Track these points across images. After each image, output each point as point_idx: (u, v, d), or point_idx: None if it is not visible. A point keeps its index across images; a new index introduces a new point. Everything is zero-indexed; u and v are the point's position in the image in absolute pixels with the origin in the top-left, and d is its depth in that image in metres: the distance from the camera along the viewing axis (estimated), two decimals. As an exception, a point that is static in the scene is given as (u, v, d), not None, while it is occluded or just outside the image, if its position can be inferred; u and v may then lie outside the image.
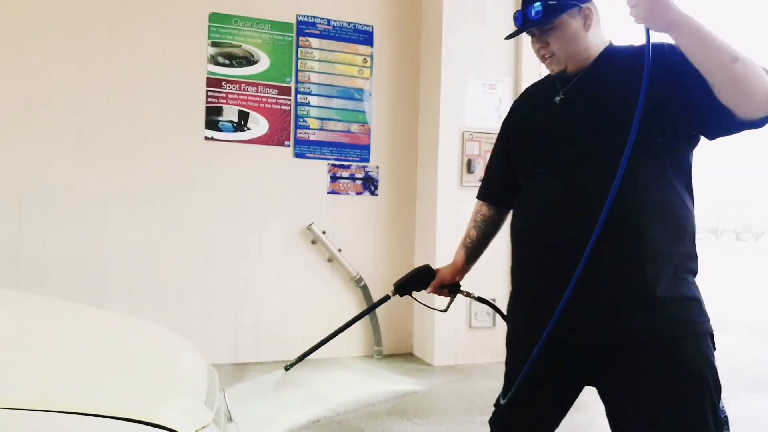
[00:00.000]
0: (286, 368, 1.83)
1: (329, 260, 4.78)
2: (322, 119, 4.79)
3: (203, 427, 1.22)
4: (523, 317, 1.68)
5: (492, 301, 1.96)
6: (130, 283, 4.30)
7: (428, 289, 1.90)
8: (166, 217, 4.39)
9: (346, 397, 3.71)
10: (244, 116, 4.56)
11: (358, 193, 4.91)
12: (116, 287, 4.26)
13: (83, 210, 4.20)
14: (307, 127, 4.74)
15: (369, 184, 4.95)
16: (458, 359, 4.77)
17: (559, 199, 1.53)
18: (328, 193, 4.82)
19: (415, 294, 1.93)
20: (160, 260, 4.37)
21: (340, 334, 1.90)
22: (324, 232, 4.74)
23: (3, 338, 1.31)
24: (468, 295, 1.92)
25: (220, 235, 4.52)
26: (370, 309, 2.01)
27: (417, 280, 1.90)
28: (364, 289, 4.80)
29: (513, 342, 1.74)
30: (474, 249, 1.89)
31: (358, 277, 4.79)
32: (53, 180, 4.15)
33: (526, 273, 1.65)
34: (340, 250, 4.79)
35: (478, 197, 1.91)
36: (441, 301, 1.97)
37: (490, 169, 1.90)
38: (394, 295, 1.88)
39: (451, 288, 1.91)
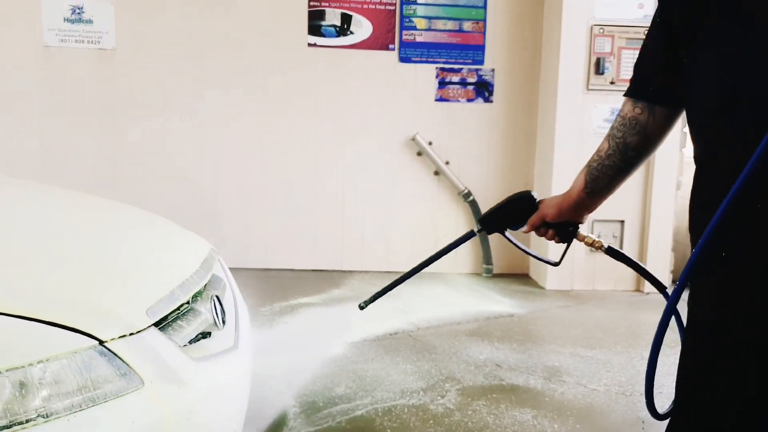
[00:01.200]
0: (361, 306, 1.60)
1: (435, 173, 4.61)
2: (429, 18, 4.46)
3: (129, 334, 1.22)
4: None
5: (642, 266, 1.38)
6: (238, 195, 4.55)
7: (524, 229, 1.43)
8: (269, 127, 4.51)
9: (433, 313, 3.65)
10: (347, 19, 4.41)
11: (470, 100, 4.58)
12: (224, 199, 4.55)
13: (191, 123, 4.46)
14: (414, 28, 4.46)
15: (482, 89, 4.58)
16: (575, 284, 4.42)
17: None
18: (436, 100, 4.56)
19: (510, 233, 1.48)
20: (266, 171, 4.55)
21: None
22: (430, 143, 4.55)
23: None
24: (591, 244, 1.38)
25: (323, 145, 4.55)
26: (450, 247, 1.54)
27: (509, 213, 1.44)
28: (473, 204, 4.58)
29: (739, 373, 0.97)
30: (601, 173, 1.23)
31: (466, 191, 4.57)
32: (160, 96, 4.44)
33: None
34: (447, 163, 4.58)
35: (626, 94, 1.21)
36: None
37: (642, 55, 1.19)
38: (479, 232, 1.49)
39: (560, 230, 1.37)
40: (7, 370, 1.00)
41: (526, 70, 4.58)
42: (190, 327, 1.47)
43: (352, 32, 4.43)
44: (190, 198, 4.49)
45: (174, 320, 1.45)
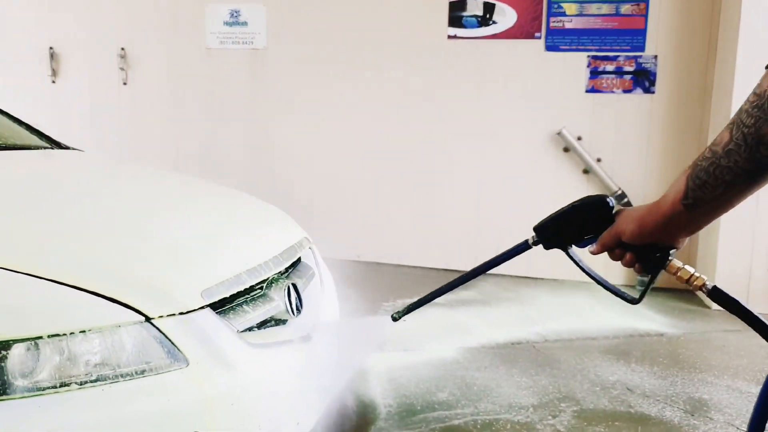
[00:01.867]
0: (394, 318, 1.44)
1: (584, 171, 4.24)
2: (581, 2, 4.11)
3: (179, 313, 1.24)
4: None
5: (761, 320, 0.95)
6: (375, 191, 4.60)
7: (592, 248, 1.06)
8: (406, 123, 4.49)
9: (566, 325, 3.36)
10: (489, 8, 4.24)
11: (627, 91, 4.14)
12: (362, 195, 4.62)
13: (331, 119, 4.60)
14: (563, 14, 4.14)
15: (642, 78, 4.12)
16: (752, 306, 3.78)
17: None
18: (587, 91, 4.20)
19: (575, 250, 1.12)
20: (401, 167, 4.54)
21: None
22: (579, 139, 4.20)
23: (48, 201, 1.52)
24: (687, 280, 0.97)
25: (460, 141, 4.43)
26: (500, 259, 1.23)
27: (572, 223, 1.09)
28: (627, 207, 4.13)
29: None
30: (714, 177, 0.86)
31: (619, 192, 4.14)
32: (305, 92, 4.62)
33: None
34: (599, 160, 4.19)
35: None
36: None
37: None
38: (535, 244, 1.16)
39: (643, 255, 0.99)
40: (48, 336, 1.06)
41: (697, 56, 4.03)
42: (255, 312, 1.47)
43: (494, 21, 4.24)
44: (329, 191, 4.64)
45: (239, 304, 1.45)
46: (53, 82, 4.89)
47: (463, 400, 2.38)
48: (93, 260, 1.26)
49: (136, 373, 1.15)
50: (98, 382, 1.10)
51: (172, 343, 1.22)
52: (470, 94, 4.37)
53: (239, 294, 1.46)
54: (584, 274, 1.13)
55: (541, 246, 1.16)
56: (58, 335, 1.07)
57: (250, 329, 1.43)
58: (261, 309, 1.50)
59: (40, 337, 1.05)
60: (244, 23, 4.55)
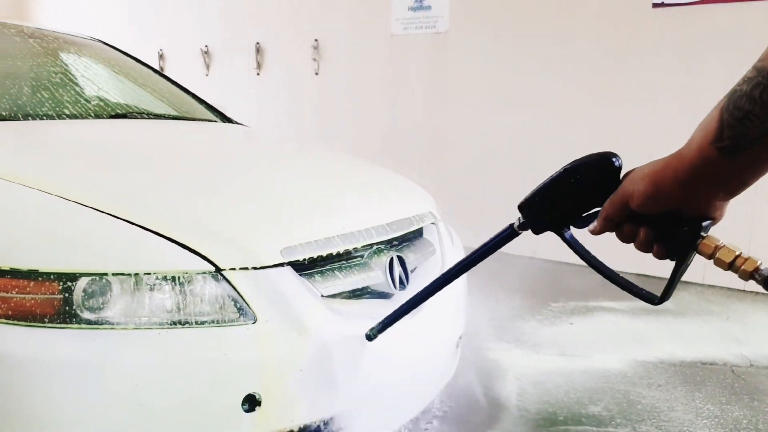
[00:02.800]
0: (368, 337, 1.27)
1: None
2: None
3: (252, 267, 1.21)
4: None
5: None
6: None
7: (592, 227, 0.79)
8: (601, 104, 4.04)
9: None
10: (706, -32, 3.61)
11: None
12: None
13: (514, 103, 4.33)
14: (807, -34, 3.36)
15: None
16: None
17: None
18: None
19: (575, 233, 0.86)
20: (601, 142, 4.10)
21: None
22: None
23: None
24: (731, 265, 0.68)
25: (663, 128, 3.86)
26: (483, 252, 1.02)
27: (565, 194, 0.83)
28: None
29: None
30: (758, 101, 0.60)
31: None
32: (486, 76, 4.41)
33: None
34: None
35: None
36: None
37: None
38: (521, 228, 0.93)
39: (665, 229, 0.71)
40: (114, 274, 1.09)
41: None
42: (346, 279, 1.38)
43: (712, -17, 3.61)
44: (508, 182, 4.39)
45: (331, 269, 1.38)
46: (258, 74, 5.39)
47: (620, 418, 2.02)
48: (182, 212, 1.28)
49: (197, 322, 1.14)
50: (158, 326, 1.10)
51: (242, 297, 1.19)
52: (677, 71, 3.78)
53: (332, 259, 1.39)
54: (590, 265, 0.85)
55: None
56: (124, 274, 1.09)
57: (338, 296, 1.34)
58: (354, 277, 1.41)
59: (106, 274, 1.08)
60: (428, 7, 4.52)
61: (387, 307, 1.42)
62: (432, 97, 4.65)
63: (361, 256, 1.48)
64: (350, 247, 1.41)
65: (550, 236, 0.92)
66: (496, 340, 2.68)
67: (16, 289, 1.04)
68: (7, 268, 1.04)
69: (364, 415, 1.34)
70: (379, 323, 1.24)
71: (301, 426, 1.23)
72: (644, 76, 3.89)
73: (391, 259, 1.50)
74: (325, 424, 1.27)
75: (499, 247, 1.01)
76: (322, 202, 1.54)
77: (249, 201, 1.42)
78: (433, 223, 1.82)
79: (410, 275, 1.57)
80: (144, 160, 1.58)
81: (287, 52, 5.26)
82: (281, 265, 1.25)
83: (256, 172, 1.66)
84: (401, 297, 1.51)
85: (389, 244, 1.55)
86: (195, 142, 2.01)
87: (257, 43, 5.36)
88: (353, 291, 1.40)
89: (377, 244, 1.52)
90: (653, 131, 3.89)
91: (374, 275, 1.45)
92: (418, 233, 1.76)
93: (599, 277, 0.87)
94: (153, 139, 1.91)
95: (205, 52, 5.59)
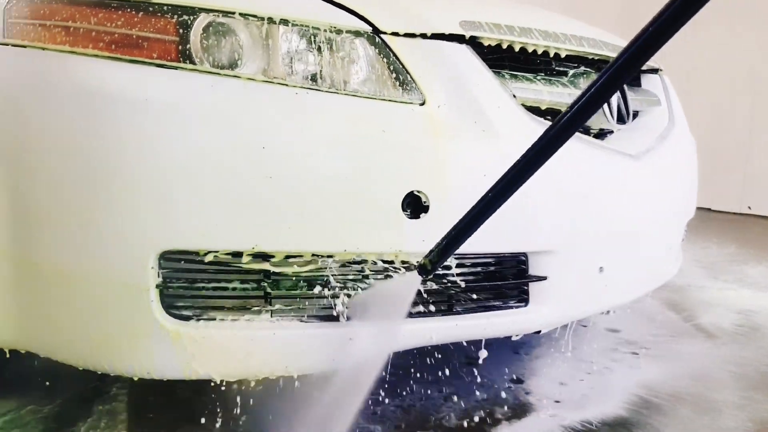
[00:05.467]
0: (423, 269, 0.78)
1: None
2: None
3: (420, 35, 0.89)
4: None
5: None
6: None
7: None
8: None
9: None
10: None
11: None
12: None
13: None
14: None
15: None
16: None
17: None
18: None
19: None
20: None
21: None
22: None
23: None
24: None
25: None
26: None
27: None
28: None
29: None
30: None
31: None
32: None
33: None
34: None
35: None
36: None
37: None
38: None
39: None
40: (242, 15, 0.83)
41: None
42: (545, 88, 1.02)
43: None
44: None
45: (526, 77, 1.02)
46: None
47: None
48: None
49: (347, 90, 0.84)
50: (295, 84, 0.82)
51: (405, 69, 0.87)
52: None
53: (527, 59, 1.03)
54: None
55: None
56: (255, 16, 0.83)
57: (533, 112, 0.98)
58: (557, 89, 1.03)
59: (233, 13, 0.82)
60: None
61: (608, 141, 1.04)
62: None
63: (565, 73, 1.11)
64: (552, 47, 1.03)
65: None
66: (712, 279, 2.13)
67: (123, 21, 0.81)
68: (115, -4, 0.82)
69: (566, 268, 0.96)
70: (439, 245, 0.78)
71: (481, 254, 0.88)
72: None
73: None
74: (516, 259, 0.91)
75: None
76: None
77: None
78: (655, 71, 1.38)
79: (630, 113, 1.16)
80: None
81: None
82: (459, 39, 0.92)
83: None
84: (622, 136, 1.11)
85: (599, 70, 1.15)
86: None
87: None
88: (552, 115, 1.02)
89: (585, 64, 1.13)
90: None
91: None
92: (634, 79, 1.33)
93: None
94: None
95: None
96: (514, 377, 1.23)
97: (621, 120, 1.13)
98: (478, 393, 1.14)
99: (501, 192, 0.70)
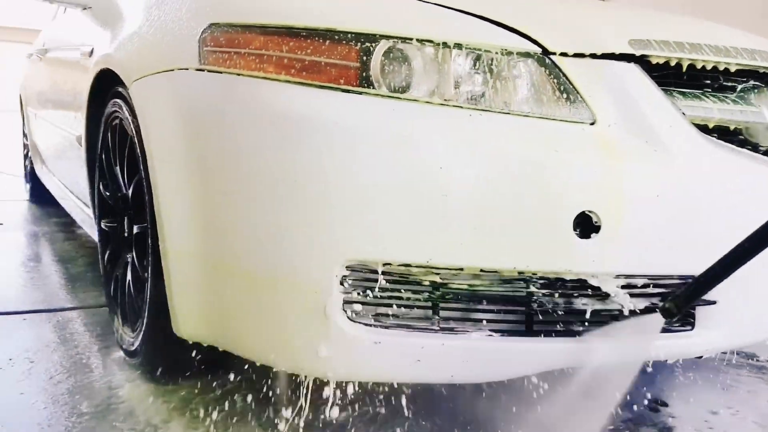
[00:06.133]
0: (669, 312, 0.81)
1: None
2: None
3: (590, 55, 0.91)
4: None
5: None
6: None
7: None
8: None
9: None
10: None
11: None
12: None
13: None
14: None
15: None
16: None
17: None
18: None
19: None
20: None
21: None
22: None
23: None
24: None
25: None
26: None
27: None
28: None
29: None
30: None
31: None
32: None
33: None
34: None
35: None
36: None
37: None
38: None
39: None
40: (419, 41, 0.87)
41: None
42: (715, 105, 0.99)
43: None
44: None
45: (695, 93, 1.00)
46: None
47: None
48: (509, 3, 1.03)
49: (518, 110, 0.87)
50: (469, 106, 0.86)
51: (575, 89, 0.89)
52: None
53: (695, 74, 1.00)
54: None
55: None
56: (431, 42, 0.87)
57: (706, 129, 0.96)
58: (727, 107, 1.00)
59: (410, 39, 0.87)
60: None
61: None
62: None
63: (734, 88, 1.06)
64: (722, 62, 1.00)
65: None
66: None
67: (311, 49, 0.88)
68: (301, 27, 0.90)
69: (737, 294, 0.92)
70: (687, 289, 0.77)
71: (654, 275, 0.88)
72: None
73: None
74: (686, 282, 0.89)
75: None
76: (689, 14, 1.16)
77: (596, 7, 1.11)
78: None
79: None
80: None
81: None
82: (629, 58, 0.92)
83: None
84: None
85: (769, 83, 1.10)
86: None
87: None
88: (718, 133, 0.99)
89: (756, 78, 1.08)
90: None
91: (755, 111, 1.03)
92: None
93: None
94: None
95: None
96: (658, 400, 1.20)
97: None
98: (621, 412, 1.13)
99: (759, 242, 0.69)
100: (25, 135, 3.14)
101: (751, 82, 1.09)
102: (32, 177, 2.97)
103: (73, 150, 1.72)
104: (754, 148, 1.06)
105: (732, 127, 1.02)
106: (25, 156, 3.18)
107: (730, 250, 0.71)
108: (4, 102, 14.85)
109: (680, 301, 0.75)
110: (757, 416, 1.16)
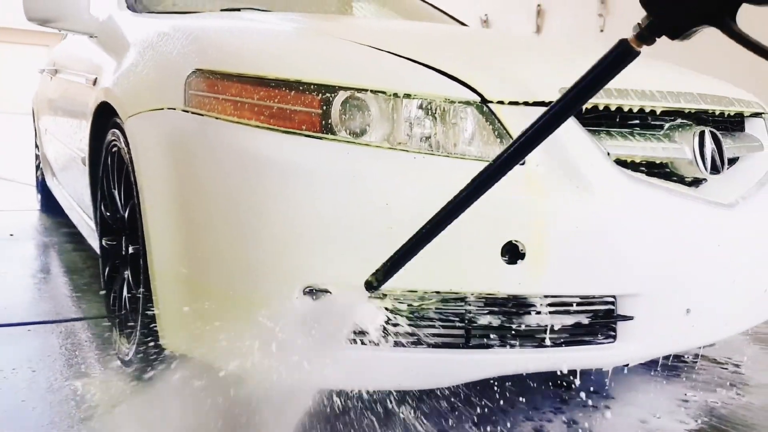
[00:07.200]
0: (370, 285, 0.93)
1: None
2: None
3: (523, 102, 1.03)
4: None
5: None
6: None
7: None
8: None
9: None
10: None
11: None
12: None
13: None
14: None
15: None
16: None
17: None
18: None
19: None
20: None
21: None
22: None
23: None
24: None
25: None
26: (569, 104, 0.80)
27: None
28: None
29: None
30: None
31: None
32: None
33: None
34: None
35: None
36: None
37: None
38: (641, 42, 0.71)
39: None
40: (372, 91, 1.00)
41: None
42: (639, 144, 1.12)
43: None
44: None
45: (621, 132, 1.13)
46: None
47: None
48: (449, 49, 1.16)
49: (458, 153, 1.00)
50: (415, 150, 0.99)
51: (509, 134, 1.01)
52: None
53: (622, 116, 1.13)
54: None
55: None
56: (384, 93, 1.00)
57: (630, 165, 1.08)
58: (650, 144, 1.13)
59: (365, 90, 1.00)
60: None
61: (689, 199, 1.11)
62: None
63: (661, 126, 1.19)
64: (648, 105, 1.13)
65: None
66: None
67: (278, 98, 1.02)
68: (272, 77, 1.03)
69: (652, 310, 1.05)
70: (385, 264, 0.90)
71: (579, 295, 1.00)
72: None
73: (702, 133, 1.17)
74: (605, 302, 1.02)
75: (607, 80, 0.76)
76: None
77: (529, 50, 1.24)
78: (760, 115, 1.41)
79: (725, 162, 1.21)
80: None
81: (570, 12, 4.95)
82: (559, 105, 1.04)
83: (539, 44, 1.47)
84: (714, 186, 1.18)
85: (697, 120, 1.22)
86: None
87: (538, 5, 5.15)
88: (648, 167, 1.12)
89: (682, 116, 1.20)
90: None
91: (676, 148, 1.15)
92: (738, 124, 1.38)
93: None
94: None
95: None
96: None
97: (715, 169, 1.19)
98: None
99: (436, 225, 0.85)
100: (37, 146, 3.30)
101: (679, 120, 1.22)
102: (43, 188, 3.12)
103: (78, 169, 1.86)
104: (681, 179, 1.19)
105: (658, 161, 1.15)
106: (37, 167, 3.33)
107: (414, 233, 0.86)
108: (12, 105, 15.06)
109: (379, 275, 0.91)
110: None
